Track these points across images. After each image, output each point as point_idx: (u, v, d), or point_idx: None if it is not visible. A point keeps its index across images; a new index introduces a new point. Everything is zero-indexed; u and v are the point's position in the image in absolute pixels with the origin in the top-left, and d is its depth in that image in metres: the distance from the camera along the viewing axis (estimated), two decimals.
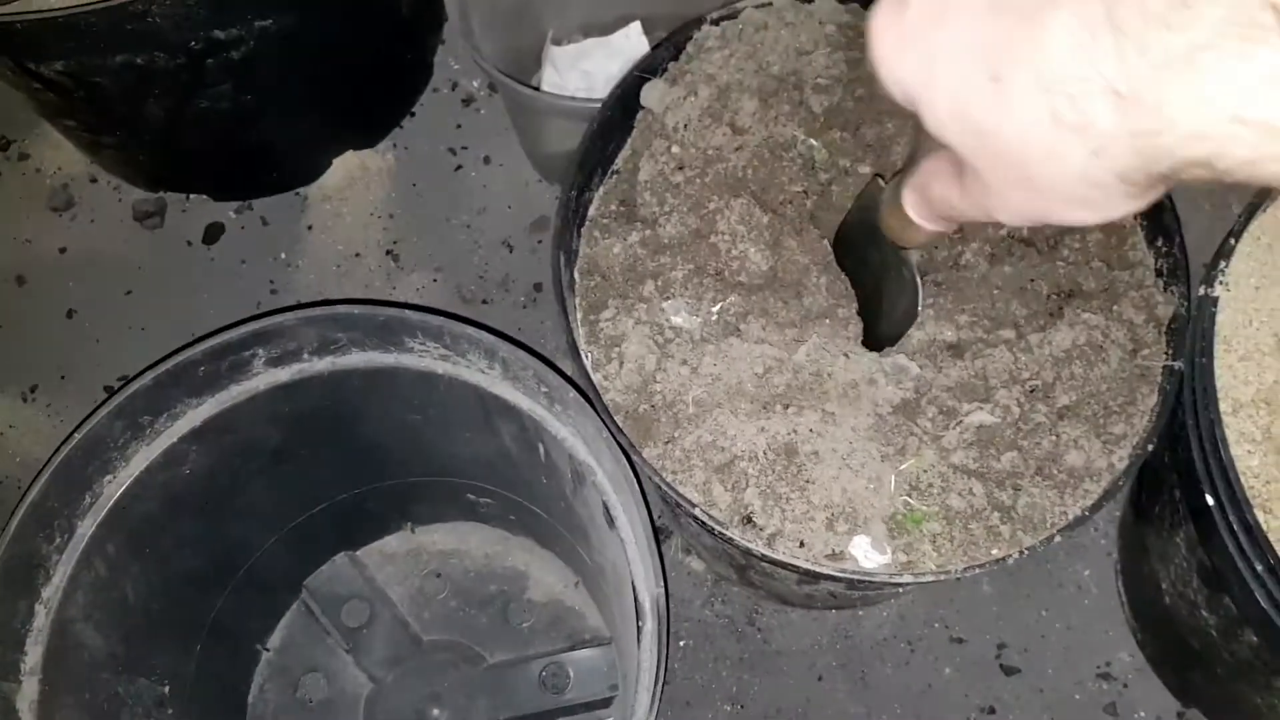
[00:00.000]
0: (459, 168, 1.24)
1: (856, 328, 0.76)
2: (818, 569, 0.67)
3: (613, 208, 0.83)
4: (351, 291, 1.17)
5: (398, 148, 1.26)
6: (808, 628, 0.99)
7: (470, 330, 0.77)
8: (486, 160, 1.24)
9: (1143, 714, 0.94)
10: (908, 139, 0.80)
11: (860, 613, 1.00)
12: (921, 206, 0.52)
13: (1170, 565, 0.80)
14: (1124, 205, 0.39)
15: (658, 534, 0.75)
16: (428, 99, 1.28)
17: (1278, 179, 0.34)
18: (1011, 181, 0.41)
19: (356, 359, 0.81)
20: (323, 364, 0.82)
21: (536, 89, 1.19)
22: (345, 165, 1.23)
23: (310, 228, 1.21)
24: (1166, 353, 0.73)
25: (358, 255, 1.19)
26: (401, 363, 0.82)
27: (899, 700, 0.96)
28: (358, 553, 1.01)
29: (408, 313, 0.78)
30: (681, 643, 1.00)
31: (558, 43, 1.25)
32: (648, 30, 1.20)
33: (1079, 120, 0.36)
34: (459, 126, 1.27)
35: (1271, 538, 0.63)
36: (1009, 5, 0.37)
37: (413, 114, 1.27)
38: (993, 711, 0.95)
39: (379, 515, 1.01)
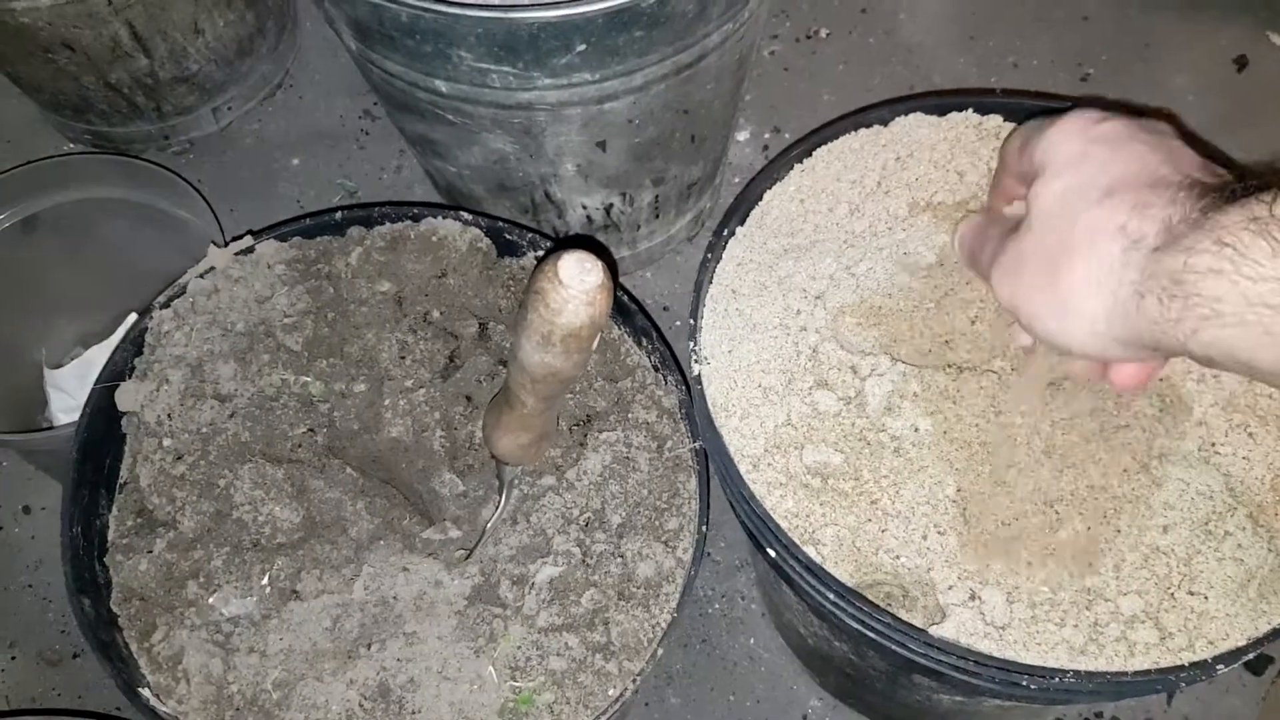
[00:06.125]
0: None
1: (412, 535, 0.75)
2: None
3: (129, 524, 0.77)
4: None
5: None
6: None
7: None
8: (26, 510, 1.14)
9: None
10: (390, 345, 0.81)
11: None
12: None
13: (794, 611, 0.84)
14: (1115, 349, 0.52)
15: None
16: None
17: (1206, 346, 0.46)
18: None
19: None
20: None
21: (49, 427, 1.12)
22: None
23: None
24: (688, 437, 0.78)
25: None
26: None
27: None
28: None
29: None
30: None
31: (57, 365, 1.18)
32: None
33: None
34: None
35: (826, 565, 0.66)
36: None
37: None
38: None
39: None
